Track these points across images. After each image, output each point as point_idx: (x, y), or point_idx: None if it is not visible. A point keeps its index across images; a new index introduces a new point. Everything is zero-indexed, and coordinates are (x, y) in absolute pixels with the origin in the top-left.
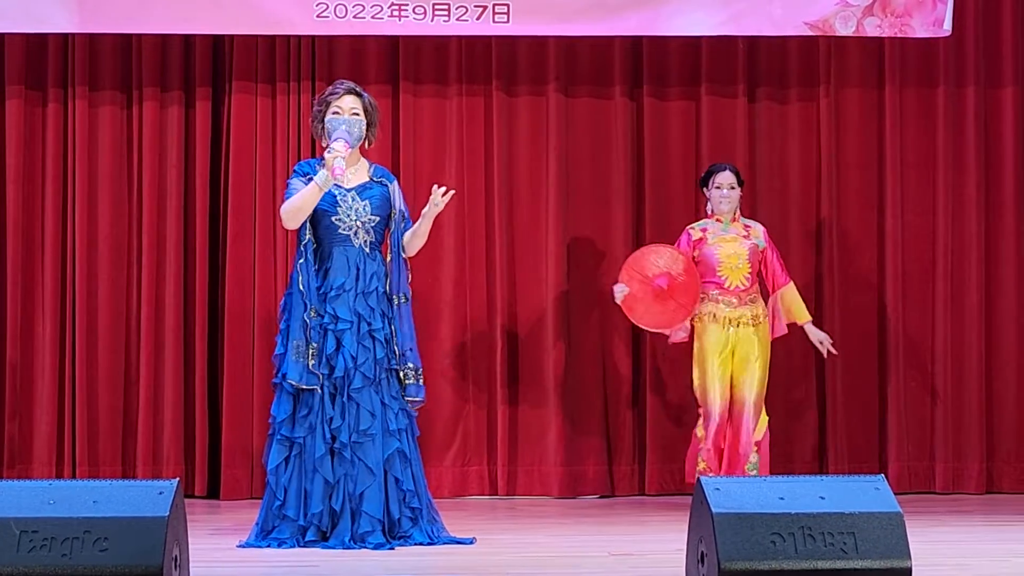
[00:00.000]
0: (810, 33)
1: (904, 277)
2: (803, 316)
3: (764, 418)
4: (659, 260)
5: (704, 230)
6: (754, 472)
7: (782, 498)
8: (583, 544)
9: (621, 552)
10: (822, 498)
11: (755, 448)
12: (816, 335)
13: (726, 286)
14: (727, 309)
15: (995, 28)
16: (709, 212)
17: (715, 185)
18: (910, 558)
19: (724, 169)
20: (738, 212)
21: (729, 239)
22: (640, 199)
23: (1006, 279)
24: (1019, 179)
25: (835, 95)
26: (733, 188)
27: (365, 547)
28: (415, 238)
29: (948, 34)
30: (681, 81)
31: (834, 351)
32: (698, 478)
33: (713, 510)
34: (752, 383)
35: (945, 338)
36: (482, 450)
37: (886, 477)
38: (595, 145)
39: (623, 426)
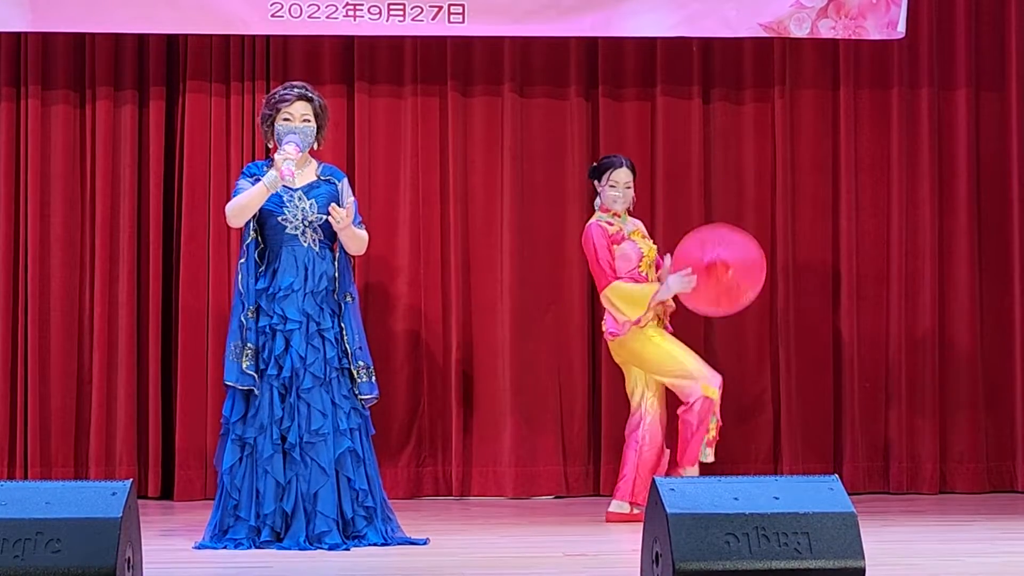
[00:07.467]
0: (764, 35)
1: (858, 278)
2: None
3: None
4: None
5: (610, 224)
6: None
7: (737, 498)
8: (538, 545)
9: (576, 553)
10: (776, 498)
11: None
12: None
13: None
14: None
15: (948, 30)
16: (598, 206)
17: (610, 183)
18: (864, 558)
19: (622, 165)
20: (630, 208)
21: (638, 234)
22: (594, 200)
23: (960, 280)
24: (972, 180)
25: (790, 96)
26: (629, 187)
27: (321, 547)
28: (345, 243)
29: (902, 36)
30: (636, 82)
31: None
32: (652, 480)
33: (668, 511)
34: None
35: (899, 339)
36: (436, 450)
37: (840, 477)
38: (550, 145)
39: (578, 426)
